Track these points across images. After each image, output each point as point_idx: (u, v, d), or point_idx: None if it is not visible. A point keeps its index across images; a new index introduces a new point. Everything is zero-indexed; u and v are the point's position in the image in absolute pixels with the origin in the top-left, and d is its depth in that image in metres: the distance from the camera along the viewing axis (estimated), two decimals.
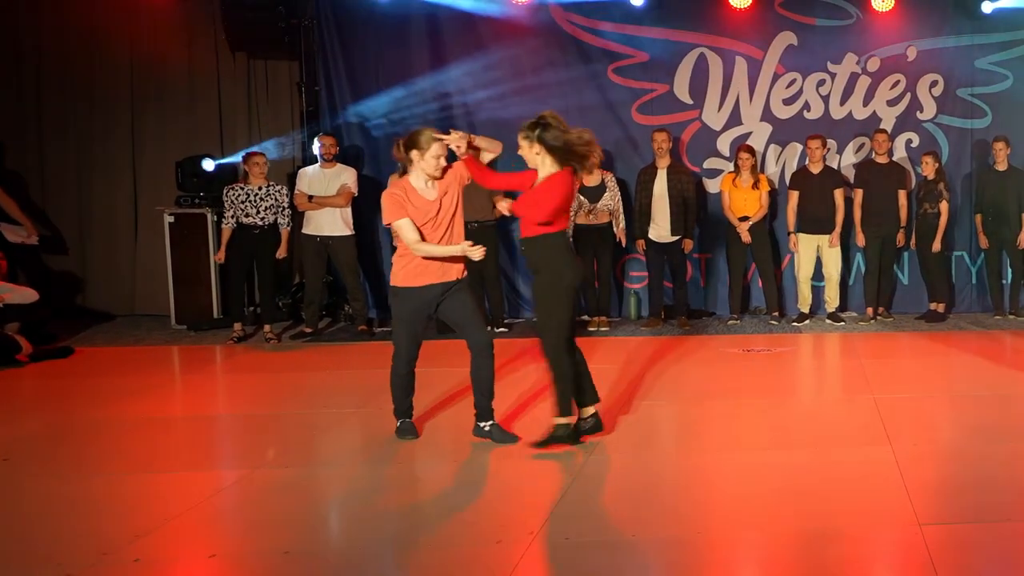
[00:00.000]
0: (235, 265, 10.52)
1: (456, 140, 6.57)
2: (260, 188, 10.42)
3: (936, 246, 11.30)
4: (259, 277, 10.69)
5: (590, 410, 6.79)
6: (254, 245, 10.43)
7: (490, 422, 6.84)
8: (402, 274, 6.66)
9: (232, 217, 10.37)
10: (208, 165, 11.44)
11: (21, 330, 9.70)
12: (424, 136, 6.57)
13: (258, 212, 10.37)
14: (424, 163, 6.57)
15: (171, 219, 11.35)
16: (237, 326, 10.65)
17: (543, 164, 6.44)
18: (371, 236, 11.69)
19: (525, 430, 6.93)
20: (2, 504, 5.66)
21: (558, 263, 6.47)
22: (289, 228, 10.55)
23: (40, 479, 6.09)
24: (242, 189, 10.39)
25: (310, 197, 10.60)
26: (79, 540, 5.08)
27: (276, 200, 10.45)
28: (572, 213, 11.00)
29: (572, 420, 6.68)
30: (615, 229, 11.07)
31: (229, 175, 11.17)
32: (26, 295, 9.88)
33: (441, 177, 6.65)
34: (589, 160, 6.48)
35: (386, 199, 6.59)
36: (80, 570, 4.71)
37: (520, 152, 6.49)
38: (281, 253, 10.51)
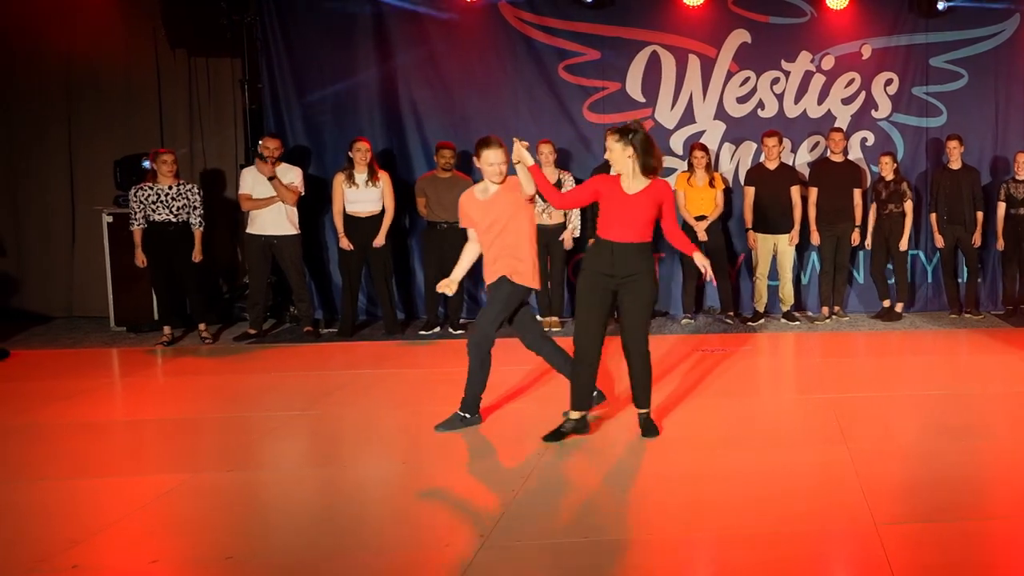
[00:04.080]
0: (153, 266, 10.36)
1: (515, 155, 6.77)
2: (171, 187, 10.30)
3: (903, 245, 11.43)
4: (181, 277, 10.49)
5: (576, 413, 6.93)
6: (169, 243, 10.29)
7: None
8: None
9: (143, 218, 10.25)
10: (147, 164, 11.31)
11: None
12: (485, 142, 6.97)
13: (170, 211, 10.26)
14: (482, 168, 6.98)
15: (110, 219, 11.24)
16: (166, 329, 10.55)
17: (630, 169, 6.66)
18: (317, 235, 11.64)
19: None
20: None
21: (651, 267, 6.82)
22: (202, 229, 10.41)
23: None
24: (151, 188, 10.26)
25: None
26: (13, 547, 5.01)
27: (188, 199, 10.33)
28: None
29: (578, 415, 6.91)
30: (566, 228, 11.09)
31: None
32: None
33: (501, 183, 6.97)
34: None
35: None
36: None
37: (609, 155, 6.74)
38: (196, 256, 10.37)
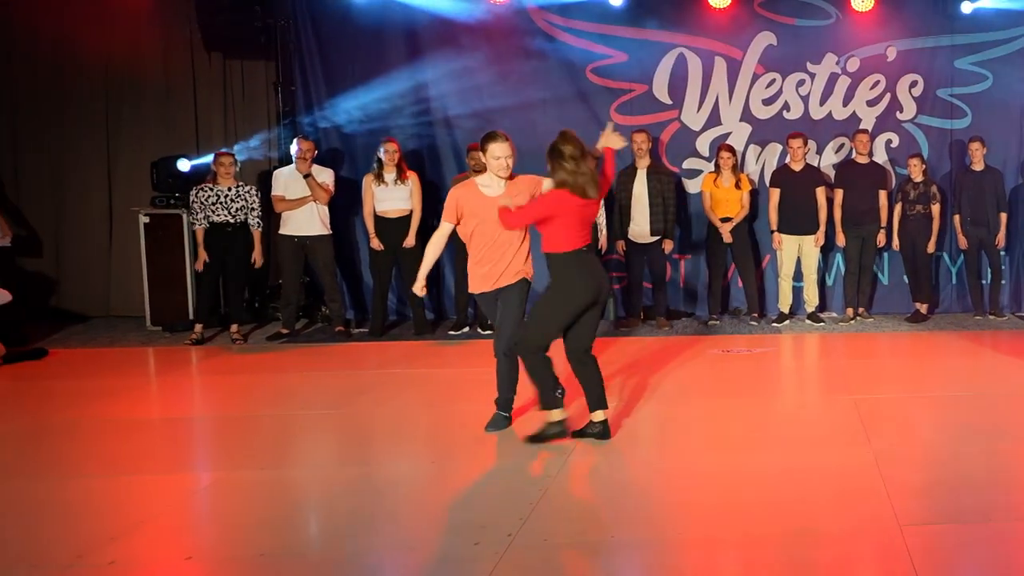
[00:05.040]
0: (208, 265, 10.49)
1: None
2: (230, 189, 10.40)
3: (931, 247, 11.39)
4: (229, 277, 10.58)
5: (599, 415, 6.87)
6: (226, 244, 10.39)
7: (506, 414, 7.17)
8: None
9: (204, 218, 10.35)
10: (183, 166, 11.39)
11: None
12: (492, 136, 6.88)
13: (229, 212, 10.36)
14: (487, 162, 6.87)
15: (146, 220, 11.30)
16: (197, 327, 10.60)
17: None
18: (348, 236, 11.68)
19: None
20: None
21: (569, 279, 6.64)
22: (260, 229, 10.52)
23: (14, 481, 6.07)
24: (211, 190, 10.37)
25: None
26: (54, 542, 5.06)
27: (247, 201, 10.43)
28: None
29: (560, 416, 6.80)
30: (598, 234, 11.09)
31: (205, 175, 11.15)
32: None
33: (509, 178, 6.88)
34: (585, 192, 6.57)
35: (448, 199, 6.94)
36: (55, 572, 4.70)
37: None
38: (256, 258, 10.49)
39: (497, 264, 6.86)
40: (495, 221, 6.70)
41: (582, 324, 6.73)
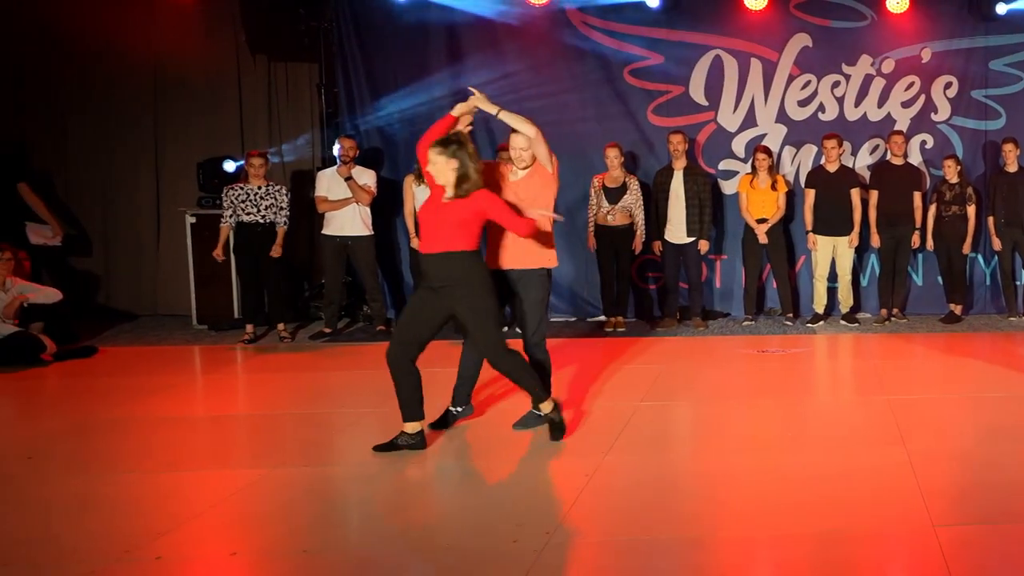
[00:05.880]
0: (241, 265, 10.58)
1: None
2: (259, 188, 10.45)
3: (967, 248, 11.29)
4: (264, 276, 10.64)
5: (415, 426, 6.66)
6: (258, 243, 10.44)
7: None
8: None
9: (232, 216, 10.41)
10: (229, 166, 11.47)
11: (45, 329, 9.76)
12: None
13: (258, 211, 10.41)
14: (510, 153, 6.95)
15: (192, 220, 11.40)
16: (249, 327, 10.66)
17: (449, 179, 6.46)
18: (389, 237, 11.71)
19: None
20: (26, 502, 5.68)
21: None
22: (286, 228, 10.54)
23: (64, 477, 6.13)
24: (242, 189, 10.43)
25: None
26: (102, 537, 5.11)
27: (276, 200, 10.47)
28: (592, 214, 11.04)
29: (550, 406, 6.79)
30: (635, 232, 11.08)
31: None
32: (50, 295, 9.93)
33: (527, 167, 6.90)
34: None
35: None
36: (103, 567, 4.73)
37: (432, 168, 6.47)
38: (275, 252, 10.46)
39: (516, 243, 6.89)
40: (514, 205, 6.72)
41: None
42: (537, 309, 7.00)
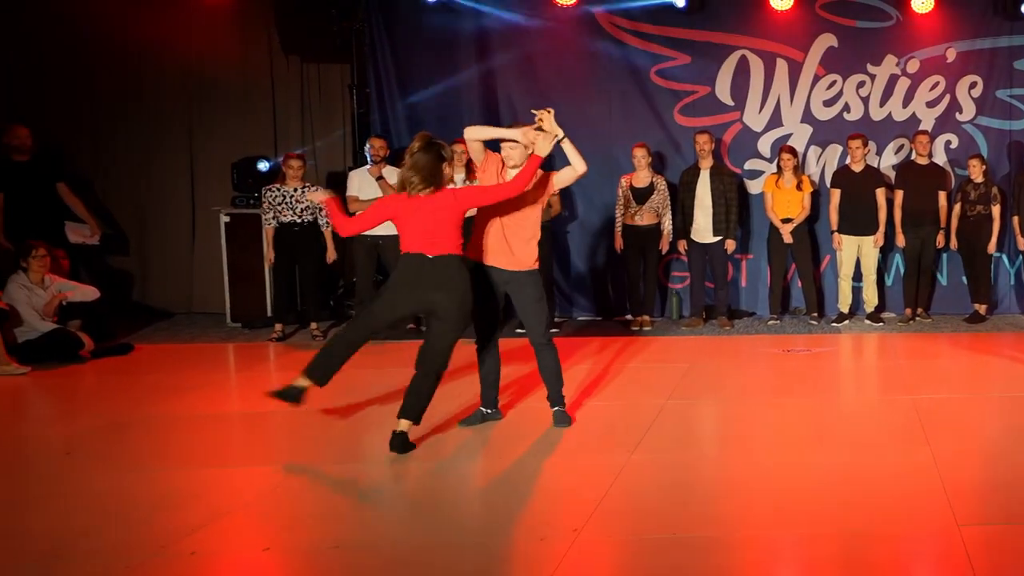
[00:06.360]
0: (276, 263, 10.62)
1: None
2: (296, 189, 10.49)
3: (992, 248, 11.21)
4: (301, 275, 10.74)
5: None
6: (294, 243, 10.50)
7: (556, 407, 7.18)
8: None
9: (272, 217, 10.47)
10: (263, 166, 11.54)
11: (83, 327, 9.83)
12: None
13: (295, 212, 10.46)
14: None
15: (226, 219, 11.46)
16: (277, 326, 10.70)
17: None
18: None
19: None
20: (65, 498, 5.74)
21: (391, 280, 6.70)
22: (329, 228, 10.59)
23: (101, 473, 6.18)
24: (279, 190, 10.48)
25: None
26: (139, 533, 5.16)
27: (312, 201, 10.52)
28: (620, 214, 11.03)
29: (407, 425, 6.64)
30: (662, 232, 11.07)
31: (277, 175, 11.27)
32: (87, 293, 10.00)
33: (517, 166, 6.83)
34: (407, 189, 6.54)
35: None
36: (140, 562, 4.78)
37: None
38: (330, 255, 10.60)
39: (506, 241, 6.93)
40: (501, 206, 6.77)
41: (428, 335, 6.72)
42: (539, 307, 7.01)
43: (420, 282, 6.50)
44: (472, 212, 6.88)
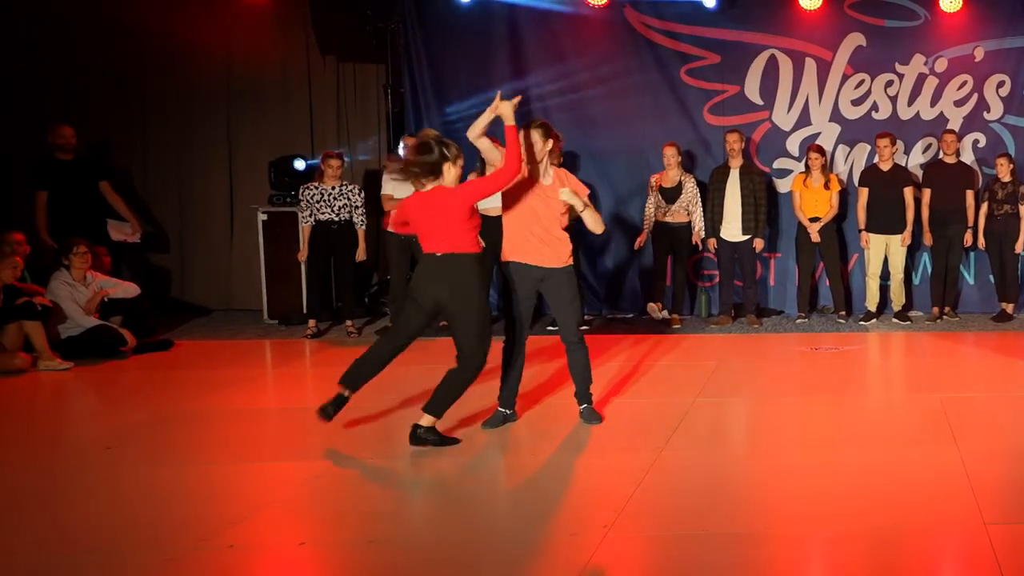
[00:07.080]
0: (312, 261, 10.63)
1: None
2: (334, 188, 10.53)
3: (1019, 247, 11.11)
4: (337, 273, 10.80)
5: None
6: (331, 241, 10.54)
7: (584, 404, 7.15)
8: None
9: (310, 215, 10.51)
10: (299, 165, 11.57)
11: (124, 323, 9.90)
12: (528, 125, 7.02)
13: (332, 210, 10.49)
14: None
15: (264, 217, 11.50)
16: (311, 323, 10.74)
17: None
18: None
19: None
20: (106, 491, 5.79)
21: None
22: (364, 227, 10.64)
23: (142, 467, 6.23)
24: (316, 188, 10.51)
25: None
26: (178, 526, 5.20)
27: (349, 200, 10.55)
28: (649, 213, 11.00)
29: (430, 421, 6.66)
30: (693, 229, 11.03)
31: (314, 174, 11.31)
32: (128, 290, 10.07)
33: (556, 165, 6.95)
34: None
35: None
36: (179, 554, 4.82)
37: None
38: (360, 255, 10.63)
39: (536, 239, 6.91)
40: (530, 204, 6.82)
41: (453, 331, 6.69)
42: (572, 307, 7.00)
43: (428, 279, 6.58)
44: (496, 211, 6.87)
